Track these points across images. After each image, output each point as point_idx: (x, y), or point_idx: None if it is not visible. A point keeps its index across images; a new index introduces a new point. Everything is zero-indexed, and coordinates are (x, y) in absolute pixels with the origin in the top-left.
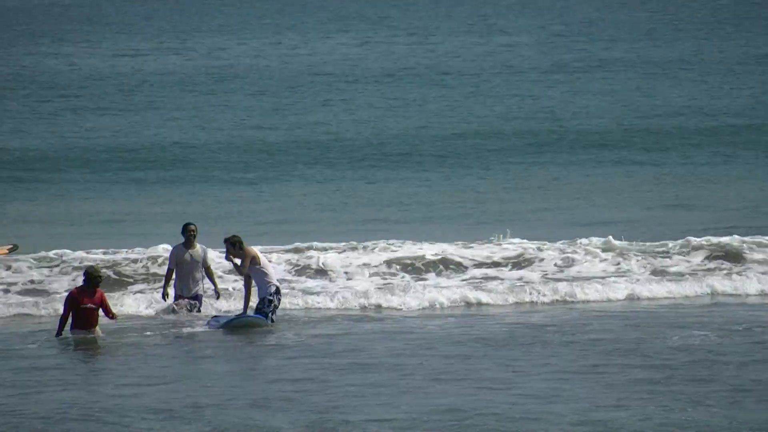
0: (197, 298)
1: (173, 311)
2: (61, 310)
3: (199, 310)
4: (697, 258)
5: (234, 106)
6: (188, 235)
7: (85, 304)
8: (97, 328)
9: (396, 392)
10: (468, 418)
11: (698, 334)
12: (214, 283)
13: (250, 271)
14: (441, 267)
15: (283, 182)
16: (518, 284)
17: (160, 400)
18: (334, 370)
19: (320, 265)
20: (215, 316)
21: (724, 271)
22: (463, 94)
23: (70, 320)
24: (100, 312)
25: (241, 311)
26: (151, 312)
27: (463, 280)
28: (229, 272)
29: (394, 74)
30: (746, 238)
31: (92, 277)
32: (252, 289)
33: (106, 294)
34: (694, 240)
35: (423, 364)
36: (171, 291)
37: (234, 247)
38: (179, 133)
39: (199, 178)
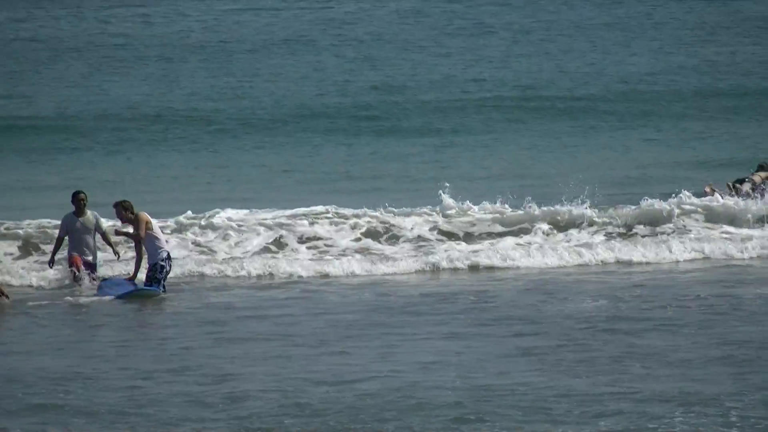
0: (92, 267)
1: (73, 274)
2: None
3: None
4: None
5: (124, 75)
6: (78, 202)
7: None
8: None
9: (285, 362)
10: (353, 387)
11: (593, 302)
12: (111, 246)
13: (146, 237)
14: (335, 221)
15: (162, 150)
16: (419, 252)
17: (41, 368)
18: (225, 340)
19: (210, 222)
20: (105, 279)
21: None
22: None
23: None
24: None
25: (131, 276)
26: (43, 282)
27: (359, 239)
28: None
29: (276, 43)
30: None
31: None
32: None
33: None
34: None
35: (315, 332)
36: (63, 262)
37: (126, 211)
38: (65, 101)
39: (81, 147)
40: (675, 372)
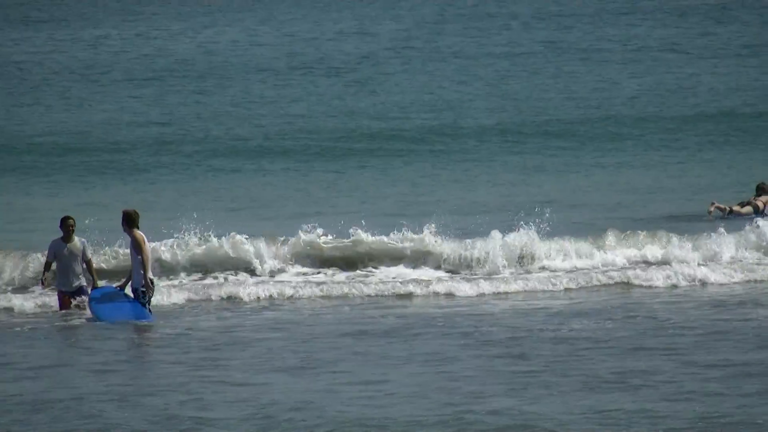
0: (81, 290)
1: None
2: None
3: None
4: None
5: (117, 97)
6: (66, 228)
7: None
8: None
9: (256, 391)
10: (320, 416)
11: (586, 323)
12: (93, 278)
13: (132, 255)
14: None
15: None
16: (407, 278)
17: (18, 394)
18: (201, 366)
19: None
20: (95, 288)
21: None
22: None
23: None
24: None
25: (121, 285)
26: (33, 305)
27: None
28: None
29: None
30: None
31: None
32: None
33: None
34: None
35: (302, 358)
36: (50, 279)
37: (125, 220)
38: (57, 124)
39: (72, 168)
40: (655, 396)
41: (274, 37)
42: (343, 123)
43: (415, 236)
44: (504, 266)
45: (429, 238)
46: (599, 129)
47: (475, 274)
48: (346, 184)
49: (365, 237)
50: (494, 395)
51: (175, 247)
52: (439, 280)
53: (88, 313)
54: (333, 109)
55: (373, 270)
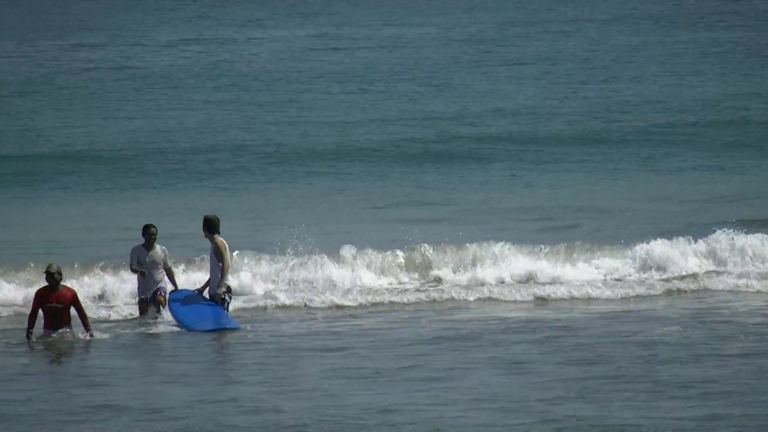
0: (159, 290)
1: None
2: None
3: (161, 306)
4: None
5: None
6: (149, 237)
7: (50, 303)
8: (68, 328)
9: (333, 397)
10: (395, 422)
11: (665, 329)
12: (175, 285)
13: (213, 261)
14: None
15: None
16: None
17: (87, 403)
18: (281, 375)
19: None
20: (176, 290)
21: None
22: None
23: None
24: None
25: (199, 289)
26: (118, 315)
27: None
28: None
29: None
30: None
31: (48, 275)
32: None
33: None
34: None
35: (375, 363)
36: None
37: (206, 225)
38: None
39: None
40: (729, 402)
41: (352, 41)
42: (426, 128)
43: (498, 244)
44: (588, 272)
45: (512, 246)
46: (678, 134)
47: (557, 281)
48: (425, 189)
49: (439, 259)
50: (570, 401)
51: (251, 255)
52: (521, 284)
53: (169, 318)
54: (412, 113)
55: (455, 276)
